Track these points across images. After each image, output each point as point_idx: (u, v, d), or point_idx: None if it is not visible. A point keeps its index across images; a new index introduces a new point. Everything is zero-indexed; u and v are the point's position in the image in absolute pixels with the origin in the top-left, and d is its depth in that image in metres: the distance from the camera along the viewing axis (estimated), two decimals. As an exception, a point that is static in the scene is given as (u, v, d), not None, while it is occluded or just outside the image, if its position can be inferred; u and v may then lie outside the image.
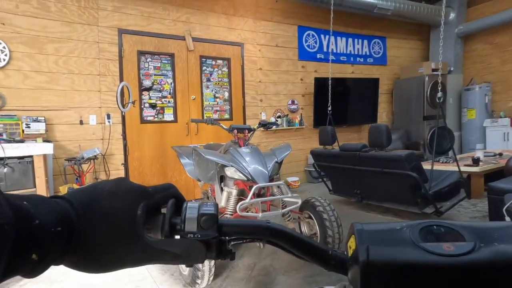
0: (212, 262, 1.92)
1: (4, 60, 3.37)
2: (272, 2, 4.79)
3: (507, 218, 2.37)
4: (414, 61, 6.27)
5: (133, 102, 3.31)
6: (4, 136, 3.14)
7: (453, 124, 5.72)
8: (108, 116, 3.85)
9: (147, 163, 4.07)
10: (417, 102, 5.59)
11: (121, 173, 3.88)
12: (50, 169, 3.38)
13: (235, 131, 2.34)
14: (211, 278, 2.00)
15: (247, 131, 2.38)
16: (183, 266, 2.16)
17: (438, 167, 3.64)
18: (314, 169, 4.86)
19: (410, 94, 5.70)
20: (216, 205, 0.36)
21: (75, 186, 3.24)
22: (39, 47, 3.51)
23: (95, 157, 3.54)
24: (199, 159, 2.49)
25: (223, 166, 2.18)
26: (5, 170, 2.95)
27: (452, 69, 5.86)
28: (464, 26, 5.88)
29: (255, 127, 2.53)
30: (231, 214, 2.14)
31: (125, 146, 3.24)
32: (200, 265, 1.88)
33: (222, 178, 2.35)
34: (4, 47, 3.36)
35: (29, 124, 3.36)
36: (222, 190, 2.31)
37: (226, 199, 2.22)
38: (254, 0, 4.64)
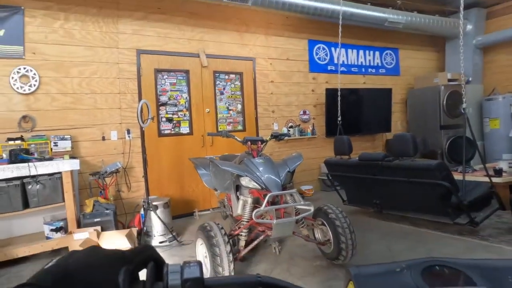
0: (232, 265, 2.01)
1: (34, 85, 3.69)
2: (283, 18, 5.02)
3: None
4: (429, 72, 6.31)
5: (152, 118, 3.55)
6: (36, 155, 3.43)
7: (476, 133, 5.67)
8: (128, 131, 4.11)
9: (165, 175, 4.27)
10: (433, 111, 5.60)
11: (142, 185, 4.09)
12: (76, 184, 3.61)
13: (249, 143, 2.49)
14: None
15: (260, 142, 2.53)
16: (202, 260, 2.28)
17: (464, 177, 3.63)
18: (327, 178, 4.95)
19: (425, 103, 5.72)
20: (200, 265, 0.35)
21: (100, 199, 3.46)
22: (65, 71, 3.79)
23: (117, 171, 3.76)
24: (216, 169, 2.64)
25: (239, 176, 2.33)
26: (38, 187, 3.20)
27: (470, 79, 5.87)
28: (483, 38, 5.90)
29: (268, 138, 2.69)
30: (248, 221, 2.27)
31: (144, 159, 3.46)
32: (220, 268, 1.97)
33: (238, 187, 2.50)
34: (34, 74, 3.69)
35: (57, 143, 3.64)
36: (238, 198, 2.46)
37: (242, 207, 2.36)
38: (265, 17, 4.89)
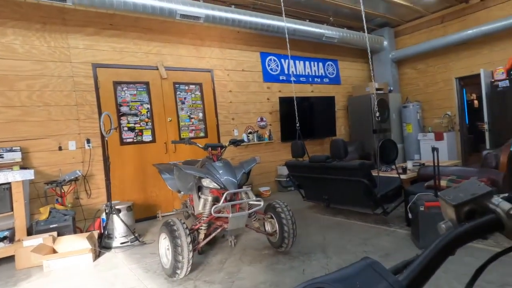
0: (190, 254, 2.13)
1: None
2: (235, 32, 5.22)
3: (410, 215, 2.84)
4: (362, 81, 6.99)
5: (115, 128, 3.49)
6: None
7: (397, 137, 6.40)
8: (88, 141, 3.95)
9: (128, 181, 4.16)
10: (367, 117, 6.20)
11: (102, 192, 3.92)
12: (27, 193, 3.39)
13: (210, 148, 2.61)
14: (189, 269, 2.18)
15: (219, 148, 2.67)
16: (164, 260, 2.36)
17: (383, 174, 4.13)
18: (284, 179, 5.20)
19: (361, 110, 6.30)
20: None
21: (57, 206, 3.31)
22: (9, 84, 3.53)
23: (76, 179, 3.61)
24: (180, 173, 2.70)
25: (200, 178, 2.44)
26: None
27: (391, 88, 6.60)
28: (395, 53, 6.67)
29: (227, 144, 2.84)
30: (207, 216, 2.38)
31: (108, 166, 3.37)
32: (180, 257, 2.09)
33: (199, 188, 2.61)
34: (-23, 85, 3.43)
35: (2, 154, 3.37)
36: (199, 198, 2.56)
37: (203, 205, 2.45)
38: (218, 31, 5.06)
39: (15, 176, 3.00)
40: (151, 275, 2.44)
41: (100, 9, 3.66)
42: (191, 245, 2.12)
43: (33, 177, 3.12)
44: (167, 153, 4.50)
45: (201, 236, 2.37)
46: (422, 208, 2.63)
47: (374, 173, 3.37)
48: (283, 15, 4.58)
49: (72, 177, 3.53)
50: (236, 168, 2.54)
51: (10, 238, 3.04)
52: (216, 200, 2.43)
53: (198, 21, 4.26)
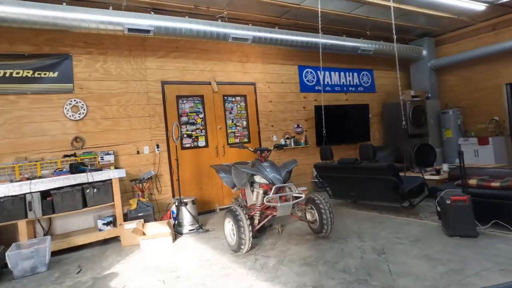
0: (250, 234, 2.95)
1: (82, 113, 4.61)
2: (276, 49, 6.03)
3: (438, 208, 3.35)
4: (398, 89, 7.37)
5: (182, 135, 4.49)
6: (89, 167, 4.32)
7: (436, 141, 6.71)
8: (158, 146, 5.03)
9: (187, 180, 5.16)
10: (401, 123, 6.58)
11: (169, 189, 4.98)
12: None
13: (259, 152, 3.45)
14: (250, 246, 3.03)
15: (266, 151, 3.49)
16: (229, 239, 3.20)
17: (411, 174, 4.63)
18: (318, 180, 5.86)
19: (396, 116, 6.74)
20: None
21: (141, 199, 4.36)
22: (106, 101, 4.73)
23: (150, 177, 4.68)
24: (236, 171, 3.58)
25: (253, 175, 3.27)
26: (94, 190, 4.10)
27: (429, 95, 6.94)
28: (435, 61, 7.01)
29: (271, 148, 3.63)
30: (260, 206, 3.20)
31: (177, 166, 4.37)
32: (243, 235, 2.92)
33: (252, 183, 3.44)
34: (82, 105, 4.62)
35: (103, 157, 4.55)
36: (252, 191, 3.39)
37: (256, 197, 3.30)
38: (261, 49, 5.91)
39: (115, 174, 4.09)
40: (219, 252, 3.33)
41: (171, 36, 4.70)
42: (250, 226, 2.95)
43: (125, 175, 4.20)
44: (218, 156, 5.43)
45: (256, 221, 3.19)
46: (448, 202, 3.15)
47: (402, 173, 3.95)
48: (320, 32, 5.28)
49: (149, 176, 4.58)
50: (281, 168, 3.33)
51: (113, 223, 4.12)
52: (265, 193, 3.23)
53: (246, 42, 5.14)
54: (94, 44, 4.72)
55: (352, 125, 6.62)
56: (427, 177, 4.46)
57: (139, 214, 4.16)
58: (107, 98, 4.76)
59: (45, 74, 4.52)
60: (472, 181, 3.49)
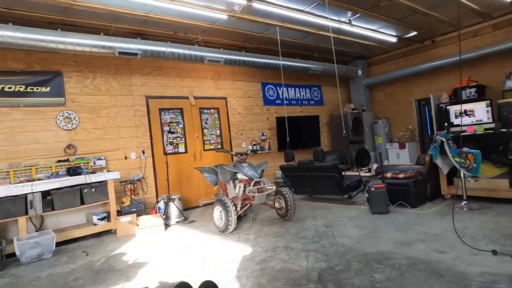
0: (235, 217, 4.05)
1: (75, 124, 5.27)
2: (243, 69, 7.22)
3: (367, 194, 4.83)
4: (342, 102, 9.12)
5: (172, 143, 5.40)
6: (85, 170, 5.00)
7: (370, 146, 8.51)
8: (143, 152, 5.84)
9: (170, 181, 6.03)
10: (346, 131, 8.28)
11: (153, 190, 5.81)
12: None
13: (238, 155, 4.59)
14: (234, 227, 4.09)
15: (245, 155, 4.65)
16: (217, 222, 4.27)
17: (351, 173, 6.17)
18: (280, 181, 7.14)
19: (341, 125, 8.37)
20: None
21: (133, 197, 5.17)
22: (96, 113, 5.43)
23: (139, 179, 5.50)
24: (222, 170, 4.63)
25: (235, 173, 4.39)
26: (93, 190, 4.80)
27: (365, 108, 8.77)
28: (367, 80, 8.84)
29: (248, 152, 4.79)
30: (241, 196, 4.32)
31: (167, 169, 5.26)
32: (230, 218, 3.99)
33: (234, 180, 4.55)
34: (74, 116, 5.28)
35: (95, 162, 5.27)
36: (234, 186, 4.50)
37: (238, 190, 4.39)
38: (231, 68, 7.06)
39: (110, 176, 4.85)
40: (209, 233, 4.32)
41: (156, 58, 5.60)
42: (235, 211, 4.06)
43: (119, 177, 4.99)
44: (195, 161, 6.41)
45: (238, 208, 4.30)
46: (372, 189, 4.59)
47: (348, 173, 5.39)
48: (280, 55, 6.63)
49: (138, 178, 5.40)
50: (256, 167, 4.50)
51: (107, 218, 4.86)
52: (245, 187, 4.36)
53: (219, 63, 6.25)
54: (83, 63, 5.42)
55: (306, 133, 8.07)
56: (362, 174, 6.01)
57: (132, 210, 4.98)
58: (97, 111, 5.48)
59: (37, 89, 5.10)
60: (388, 174, 5.04)
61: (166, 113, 6.19)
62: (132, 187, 5.31)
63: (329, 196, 5.75)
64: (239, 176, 4.37)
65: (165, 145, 5.21)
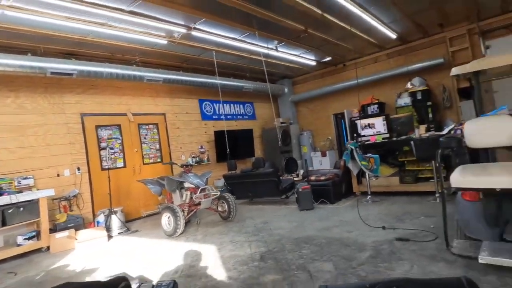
0: (183, 221, 4.43)
1: (-6, 142, 4.96)
2: (181, 87, 7.60)
3: (296, 195, 5.72)
4: (272, 117, 10.17)
5: (111, 158, 5.45)
6: (7, 191, 4.73)
7: (297, 155, 9.69)
8: (78, 169, 5.73)
9: (107, 197, 5.96)
10: (276, 142, 9.30)
11: (89, 205, 5.68)
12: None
13: (185, 166, 5.00)
14: (182, 231, 4.48)
15: (190, 166, 5.08)
16: (165, 228, 4.57)
17: (284, 178, 7.07)
18: (219, 190, 7.65)
19: (272, 137, 9.39)
20: (174, 283, 0.41)
21: (70, 213, 5.06)
22: (21, 132, 5.15)
23: (75, 196, 5.40)
24: (169, 181, 4.90)
25: (182, 182, 4.79)
26: (21, 209, 4.58)
27: (292, 122, 10.00)
28: (293, 97, 10.14)
29: (193, 163, 5.23)
30: (188, 203, 4.72)
31: (109, 183, 5.29)
32: (179, 222, 4.34)
33: (180, 189, 4.93)
34: (-6, 135, 4.96)
35: (20, 181, 5.01)
36: (181, 195, 4.88)
37: (185, 197, 4.77)
38: (169, 86, 7.35)
39: (43, 193, 4.72)
40: (157, 239, 4.54)
41: (93, 78, 5.66)
42: (183, 216, 4.45)
43: (54, 194, 4.88)
44: (134, 174, 6.50)
45: (185, 213, 4.68)
46: (300, 190, 5.44)
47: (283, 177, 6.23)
48: (216, 75, 7.27)
49: (73, 194, 5.32)
50: (201, 176, 4.97)
51: (37, 236, 4.67)
52: (191, 195, 4.79)
53: (158, 82, 6.58)
54: (1, 83, 5.10)
55: (241, 145, 8.79)
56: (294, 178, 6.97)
57: (69, 225, 4.90)
58: (22, 129, 5.21)
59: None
60: (312, 178, 6.02)
61: (103, 130, 6.20)
62: (68, 204, 5.21)
63: (266, 199, 6.49)
64: (186, 185, 4.78)
65: (107, 160, 5.26)
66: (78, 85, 5.92)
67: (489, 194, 2.35)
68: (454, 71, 3.01)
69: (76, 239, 4.67)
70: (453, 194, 2.75)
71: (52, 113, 5.56)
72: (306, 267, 2.80)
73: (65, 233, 4.66)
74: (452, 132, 4.93)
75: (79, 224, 4.97)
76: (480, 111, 3.17)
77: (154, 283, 0.41)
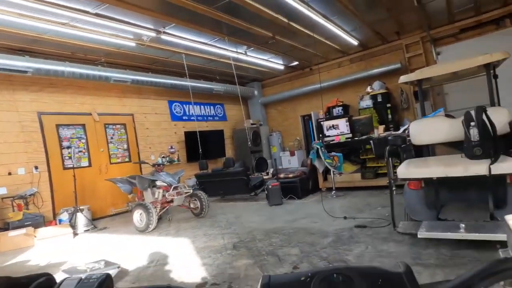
0: (156, 217, 4.43)
1: None
2: (150, 88, 7.53)
3: (266, 191, 5.93)
4: (242, 118, 10.36)
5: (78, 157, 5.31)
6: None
7: (267, 155, 9.95)
8: (36, 167, 5.48)
9: (70, 196, 5.55)
10: (246, 143, 9.50)
11: (49, 203, 5.44)
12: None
13: (156, 165, 5.02)
14: (155, 226, 4.48)
15: (162, 165, 5.09)
16: (137, 224, 4.55)
17: (254, 176, 7.27)
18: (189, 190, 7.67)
19: (242, 138, 9.56)
20: (107, 277, 0.40)
21: (26, 211, 4.82)
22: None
23: (32, 194, 5.18)
24: (140, 179, 4.82)
25: (154, 180, 4.80)
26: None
27: (261, 123, 10.26)
28: (262, 99, 10.40)
29: (164, 163, 5.25)
30: (161, 200, 4.72)
31: (74, 182, 5.13)
32: (152, 219, 4.35)
33: (152, 187, 4.93)
34: None
35: None
36: (153, 193, 4.85)
37: (157, 195, 4.70)
38: (137, 87, 7.29)
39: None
40: (128, 234, 4.49)
41: (52, 77, 5.44)
42: (156, 212, 4.47)
43: (6, 192, 4.68)
44: (101, 174, 6.33)
45: (158, 210, 4.70)
46: (270, 187, 5.64)
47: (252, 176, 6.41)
48: (187, 76, 7.32)
49: (31, 193, 5.12)
50: (173, 175, 5.01)
51: None
52: (163, 192, 4.82)
53: (126, 83, 6.49)
54: None
55: (212, 145, 8.86)
56: (264, 176, 7.19)
57: (25, 223, 4.68)
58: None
59: None
60: (281, 175, 6.28)
61: (65, 129, 5.99)
62: (24, 202, 5.00)
63: (237, 196, 6.63)
64: (158, 183, 4.80)
65: (72, 159, 5.12)
66: (33, 82, 5.64)
67: (428, 182, 2.70)
68: (402, 79, 3.37)
69: (35, 237, 4.51)
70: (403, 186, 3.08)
71: (1, 110, 5.27)
72: (275, 253, 2.98)
73: (22, 230, 4.49)
74: (407, 131, 5.43)
75: (39, 222, 4.81)
76: (423, 113, 3.58)
77: (83, 276, 0.43)
